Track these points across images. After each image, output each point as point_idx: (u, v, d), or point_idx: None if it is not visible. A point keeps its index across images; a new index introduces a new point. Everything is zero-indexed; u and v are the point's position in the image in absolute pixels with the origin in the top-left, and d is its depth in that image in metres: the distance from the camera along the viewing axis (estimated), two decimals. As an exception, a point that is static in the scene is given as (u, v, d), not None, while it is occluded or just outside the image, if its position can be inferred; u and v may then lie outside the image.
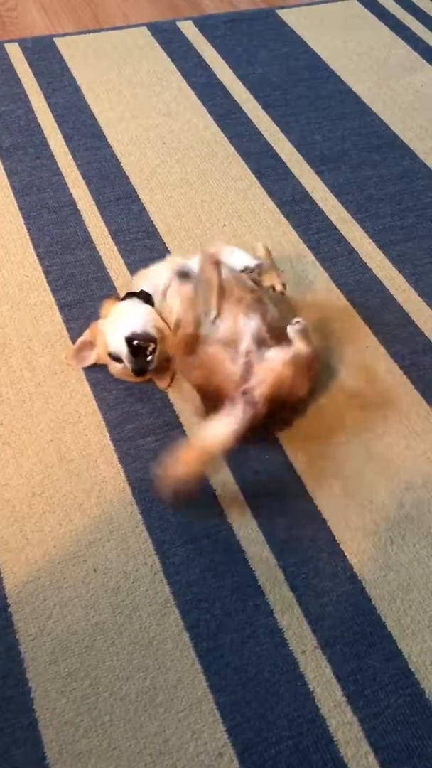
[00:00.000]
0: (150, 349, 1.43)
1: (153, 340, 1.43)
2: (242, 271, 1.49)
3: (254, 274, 1.51)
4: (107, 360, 1.50)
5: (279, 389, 1.36)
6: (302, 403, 1.48)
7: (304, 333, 1.42)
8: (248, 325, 1.42)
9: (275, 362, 1.37)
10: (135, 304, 1.51)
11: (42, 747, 1.11)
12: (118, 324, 1.47)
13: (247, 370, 1.36)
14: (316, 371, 1.48)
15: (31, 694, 1.15)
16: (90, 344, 1.53)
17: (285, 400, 1.39)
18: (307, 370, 1.42)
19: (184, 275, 1.50)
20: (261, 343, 1.40)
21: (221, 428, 1.30)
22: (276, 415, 1.39)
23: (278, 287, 1.54)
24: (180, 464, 1.27)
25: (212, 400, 1.38)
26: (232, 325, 1.43)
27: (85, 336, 1.53)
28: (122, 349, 1.44)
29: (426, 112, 2.30)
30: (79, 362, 1.54)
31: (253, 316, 1.44)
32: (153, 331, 1.45)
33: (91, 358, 1.53)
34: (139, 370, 1.44)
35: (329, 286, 1.77)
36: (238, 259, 1.51)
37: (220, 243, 1.58)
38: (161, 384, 1.52)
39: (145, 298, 1.52)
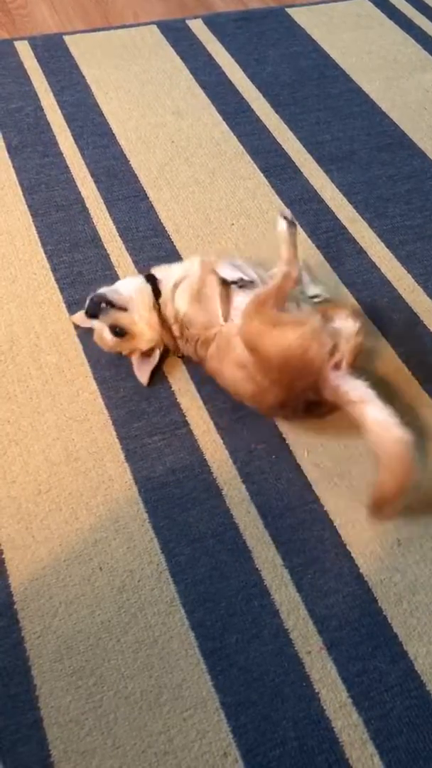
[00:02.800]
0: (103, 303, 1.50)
1: (106, 301, 1.49)
2: (234, 283, 1.50)
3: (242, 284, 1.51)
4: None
5: (359, 356, 1.40)
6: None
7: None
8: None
9: (354, 329, 1.40)
10: (137, 278, 1.57)
11: (47, 745, 1.11)
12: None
13: (334, 340, 1.36)
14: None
15: (36, 692, 1.16)
16: None
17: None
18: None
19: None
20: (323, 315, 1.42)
21: (381, 417, 1.31)
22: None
23: (324, 294, 1.64)
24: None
25: (293, 386, 1.37)
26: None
27: None
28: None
29: (436, 111, 2.29)
30: (80, 320, 1.61)
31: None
32: (119, 297, 1.51)
33: (89, 321, 1.57)
34: (88, 309, 1.51)
35: (337, 285, 1.76)
36: (223, 271, 1.52)
37: (216, 255, 1.59)
38: (141, 377, 1.54)
39: (151, 280, 1.54)
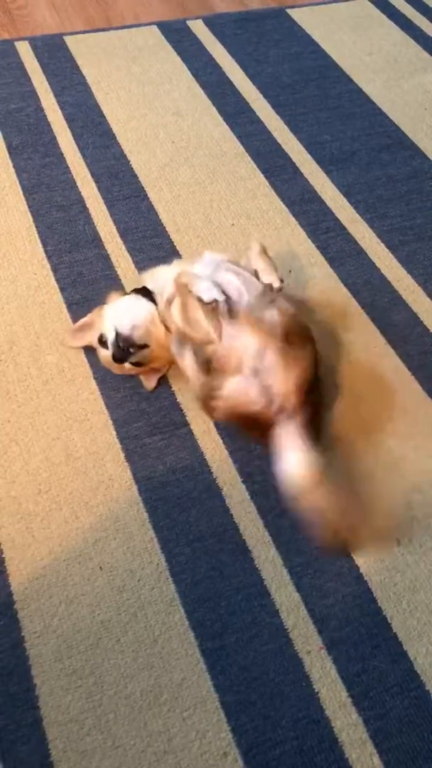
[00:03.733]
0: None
1: (134, 345, 1.44)
2: (209, 303, 1.40)
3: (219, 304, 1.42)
4: (97, 343, 1.51)
5: (302, 384, 1.32)
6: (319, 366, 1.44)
7: (263, 253, 1.49)
8: (250, 344, 1.34)
9: (279, 370, 1.31)
10: (138, 299, 1.51)
11: (46, 744, 1.11)
12: (114, 313, 1.49)
13: (266, 391, 1.31)
14: (301, 323, 1.42)
15: (36, 692, 1.16)
16: (90, 326, 1.54)
17: (311, 378, 1.36)
18: (297, 337, 1.36)
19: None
20: (262, 354, 1.33)
21: (297, 466, 1.29)
22: (313, 397, 1.37)
23: (276, 284, 1.48)
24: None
25: (258, 428, 1.35)
26: (234, 347, 1.36)
27: (88, 318, 1.55)
28: (110, 336, 1.46)
29: (436, 112, 2.29)
30: (75, 340, 1.57)
31: (261, 326, 1.37)
32: (141, 333, 1.45)
33: (85, 338, 1.55)
34: (117, 357, 1.46)
35: (337, 286, 1.76)
36: (202, 292, 1.40)
37: (186, 271, 1.48)
38: (148, 384, 1.53)
39: (146, 293, 1.51)
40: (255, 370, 1.32)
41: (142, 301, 1.50)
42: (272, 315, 1.37)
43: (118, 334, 1.45)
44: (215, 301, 1.39)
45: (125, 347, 1.44)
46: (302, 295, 1.70)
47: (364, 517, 1.34)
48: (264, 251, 1.54)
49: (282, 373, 1.31)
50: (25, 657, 1.19)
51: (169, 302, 1.48)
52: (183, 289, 1.43)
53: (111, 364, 1.50)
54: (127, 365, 1.47)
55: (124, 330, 1.45)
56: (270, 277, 1.49)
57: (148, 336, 1.46)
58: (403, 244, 1.88)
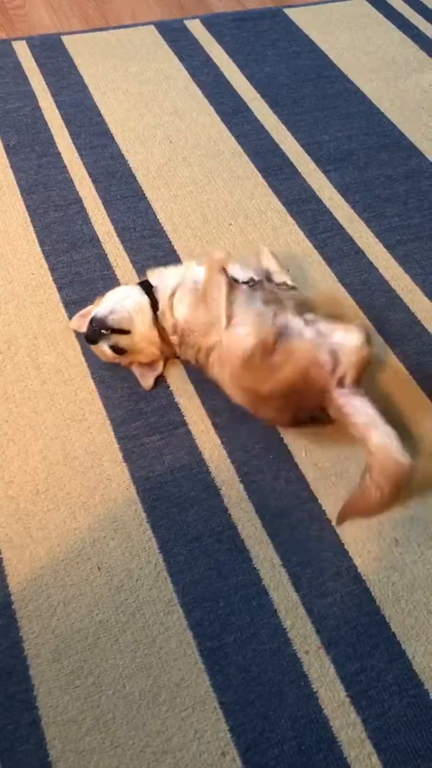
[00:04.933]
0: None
1: (106, 327, 1.47)
2: (246, 283, 1.47)
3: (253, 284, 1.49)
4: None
5: (364, 369, 1.37)
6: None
7: (273, 256, 1.58)
8: (292, 320, 1.41)
9: (357, 343, 1.37)
10: (133, 289, 1.54)
11: (45, 744, 1.11)
12: (105, 298, 1.54)
13: (335, 357, 1.35)
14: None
15: (34, 692, 1.16)
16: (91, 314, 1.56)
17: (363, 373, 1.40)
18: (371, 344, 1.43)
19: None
20: (319, 328, 1.40)
21: (395, 439, 1.30)
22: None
23: (290, 282, 1.55)
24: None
25: (301, 407, 1.37)
26: (249, 333, 1.40)
27: (91, 306, 1.58)
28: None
29: (434, 111, 2.29)
30: (77, 325, 1.60)
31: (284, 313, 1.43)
32: (117, 317, 1.48)
33: (86, 325, 1.56)
34: (88, 337, 1.49)
35: (335, 285, 1.77)
36: (236, 271, 1.48)
37: (220, 252, 1.54)
38: (145, 384, 1.53)
39: (146, 288, 1.53)
40: (321, 333, 1.38)
41: (135, 292, 1.53)
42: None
43: (93, 316, 1.49)
44: (251, 280, 1.46)
45: (97, 328, 1.47)
46: (300, 294, 1.70)
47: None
48: (274, 255, 1.61)
49: (355, 347, 1.36)
50: (24, 657, 1.19)
51: (173, 293, 1.49)
52: (216, 265, 1.47)
53: (100, 353, 1.52)
54: (107, 351, 1.50)
55: (100, 312, 1.49)
56: (283, 277, 1.56)
57: (128, 323, 1.48)
58: (401, 243, 1.88)
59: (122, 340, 1.49)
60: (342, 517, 1.34)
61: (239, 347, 1.38)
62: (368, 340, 1.40)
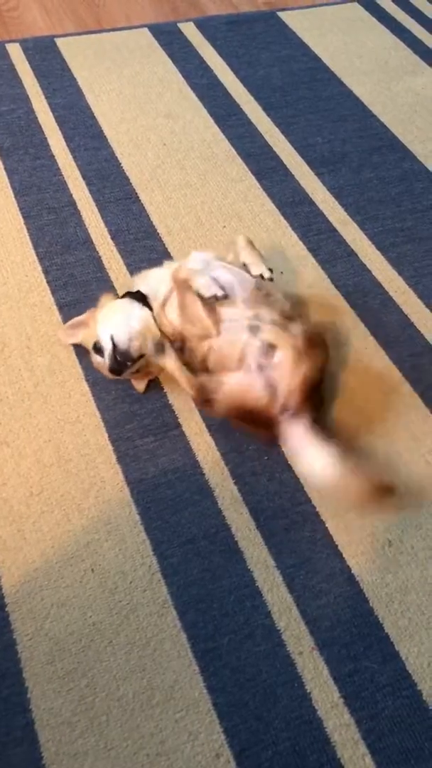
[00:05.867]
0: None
1: (131, 359, 1.44)
2: (210, 298, 1.44)
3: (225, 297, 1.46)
4: (90, 348, 1.51)
5: (308, 385, 1.36)
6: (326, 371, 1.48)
7: (250, 245, 1.55)
8: (252, 340, 1.39)
9: (289, 364, 1.35)
10: (132, 304, 1.51)
11: (38, 747, 1.11)
12: (109, 320, 1.48)
13: (271, 387, 1.34)
14: (320, 333, 1.48)
15: (28, 694, 1.15)
16: (84, 325, 1.54)
17: (316, 383, 1.40)
18: (314, 343, 1.41)
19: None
20: (267, 350, 1.37)
21: (312, 454, 1.32)
22: (315, 400, 1.41)
23: (266, 274, 1.51)
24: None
25: (257, 425, 1.39)
26: (234, 341, 1.40)
27: (83, 317, 1.55)
28: (106, 346, 1.45)
29: (426, 114, 2.30)
30: (67, 337, 1.57)
31: (258, 322, 1.42)
32: (137, 344, 1.44)
33: (77, 337, 1.55)
34: (115, 370, 1.45)
35: (329, 287, 1.77)
36: (203, 287, 1.44)
37: (184, 267, 1.50)
38: (138, 387, 1.52)
39: (140, 298, 1.51)
40: (260, 365, 1.36)
41: (136, 308, 1.50)
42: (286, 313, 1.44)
43: (115, 347, 1.44)
44: (215, 296, 1.42)
45: (123, 361, 1.44)
46: (293, 296, 1.70)
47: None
48: (250, 243, 1.57)
49: (289, 371, 1.35)
50: (17, 659, 1.19)
51: (164, 304, 1.49)
52: (182, 284, 1.45)
53: (104, 370, 1.49)
54: (128, 375, 1.48)
55: (122, 344, 1.43)
56: (259, 268, 1.52)
57: (144, 345, 1.46)
58: (394, 245, 1.89)
59: (142, 362, 1.47)
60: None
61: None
62: (309, 346, 1.38)
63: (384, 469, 1.43)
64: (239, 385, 1.36)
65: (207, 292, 1.43)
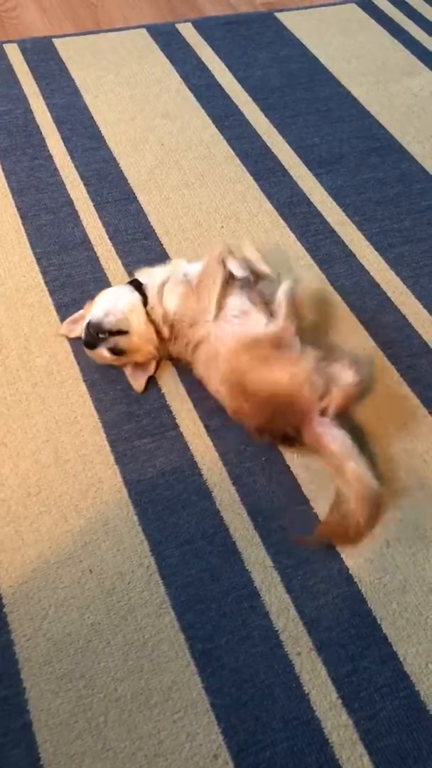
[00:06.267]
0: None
1: (103, 330, 1.47)
2: (242, 278, 1.50)
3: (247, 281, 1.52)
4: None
5: (348, 406, 1.39)
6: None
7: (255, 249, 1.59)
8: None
9: (351, 379, 1.37)
10: (123, 289, 1.54)
11: (36, 748, 1.11)
12: (97, 302, 1.53)
13: (327, 386, 1.35)
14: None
15: (26, 695, 1.15)
16: (83, 318, 1.55)
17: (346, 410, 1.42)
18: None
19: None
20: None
21: (356, 464, 1.33)
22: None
23: (269, 271, 1.56)
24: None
25: (275, 419, 1.38)
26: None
27: (82, 310, 1.58)
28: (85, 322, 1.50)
29: (424, 115, 2.30)
30: (68, 331, 1.60)
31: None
32: (113, 319, 1.47)
33: (78, 331, 1.57)
34: (86, 342, 1.50)
35: (327, 288, 1.77)
36: (235, 268, 1.50)
37: (224, 247, 1.55)
38: (137, 386, 1.53)
39: (137, 286, 1.53)
40: (320, 359, 1.39)
41: (126, 291, 1.53)
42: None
43: (89, 321, 1.49)
44: (246, 279, 1.49)
45: (95, 333, 1.47)
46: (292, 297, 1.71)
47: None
48: (256, 250, 1.60)
49: (349, 384, 1.37)
50: (15, 660, 1.18)
51: (162, 285, 1.51)
52: (218, 256, 1.50)
53: (95, 354, 1.52)
54: (106, 354, 1.49)
55: (96, 316, 1.48)
56: (264, 267, 1.57)
57: (124, 323, 1.48)
58: (392, 246, 1.89)
59: (121, 341, 1.49)
60: (317, 540, 1.33)
61: (243, 335, 1.40)
62: (364, 377, 1.40)
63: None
64: (310, 370, 1.36)
65: (240, 273, 1.49)
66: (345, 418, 1.49)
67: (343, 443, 1.35)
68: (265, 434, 1.41)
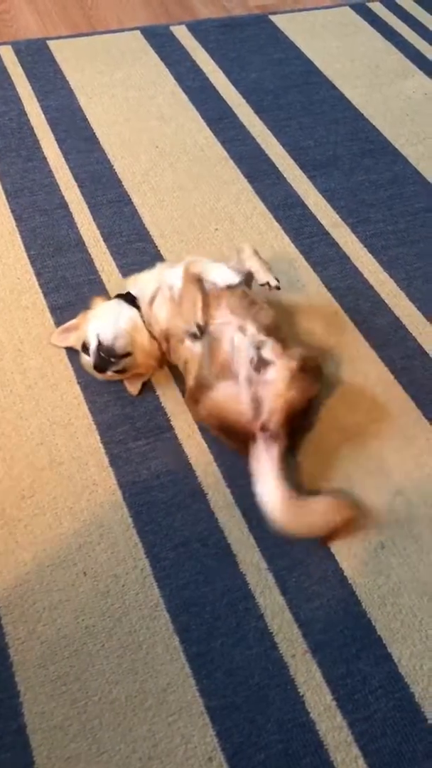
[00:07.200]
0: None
1: (115, 356, 1.45)
2: (227, 288, 1.47)
3: (241, 286, 1.50)
4: (80, 349, 1.52)
5: (292, 410, 1.35)
6: (315, 400, 1.47)
7: (256, 254, 1.54)
8: (243, 346, 1.39)
9: (279, 385, 1.35)
10: (121, 305, 1.52)
11: (30, 751, 1.10)
12: (97, 320, 1.50)
13: (257, 403, 1.34)
14: (318, 364, 1.49)
15: (20, 698, 1.15)
16: (75, 328, 1.55)
17: (301, 410, 1.39)
18: (310, 371, 1.41)
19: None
20: (259, 364, 1.37)
21: (269, 487, 1.31)
22: (297, 426, 1.41)
23: (273, 283, 1.52)
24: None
25: (233, 436, 1.39)
26: (225, 346, 1.40)
27: (75, 320, 1.56)
28: (92, 344, 1.47)
29: (417, 117, 2.31)
30: (60, 340, 1.58)
31: (246, 327, 1.42)
32: (122, 342, 1.45)
33: (69, 340, 1.56)
34: (99, 367, 1.46)
35: (321, 290, 1.77)
36: (219, 276, 1.48)
37: (199, 259, 1.53)
38: (132, 389, 1.53)
39: (130, 300, 1.52)
40: (250, 378, 1.35)
41: (125, 308, 1.51)
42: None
43: (100, 344, 1.45)
44: (230, 286, 1.46)
45: (107, 357, 1.45)
46: (286, 299, 1.71)
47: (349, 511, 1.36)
48: (256, 252, 1.56)
49: (278, 391, 1.34)
50: (9, 664, 1.18)
51: (151, 302, 1.49)
52: (191, 277, 1.47)
53: (91, 370, 1.50)
54: (109, 373, 1.48)
55: (106, 340, 1.45)
56: (266, 277, 1.52)
57: (131, 344, 1.47)
58: (386, 248, 1.89)
59: (127, 362, 1.48)
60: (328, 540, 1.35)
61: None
62: (303, 372, 1.37)
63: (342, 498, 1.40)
64: (226, 394, 1.36)
65: (228, 281, 1.47)
66: (336, 419, 1.50)
67: (263, 465, 1.33)
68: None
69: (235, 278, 1.48)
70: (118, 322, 1.48)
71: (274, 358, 1.38)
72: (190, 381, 1.43)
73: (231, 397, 1.36)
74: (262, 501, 1.31)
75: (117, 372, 1.48)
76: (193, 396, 1.41)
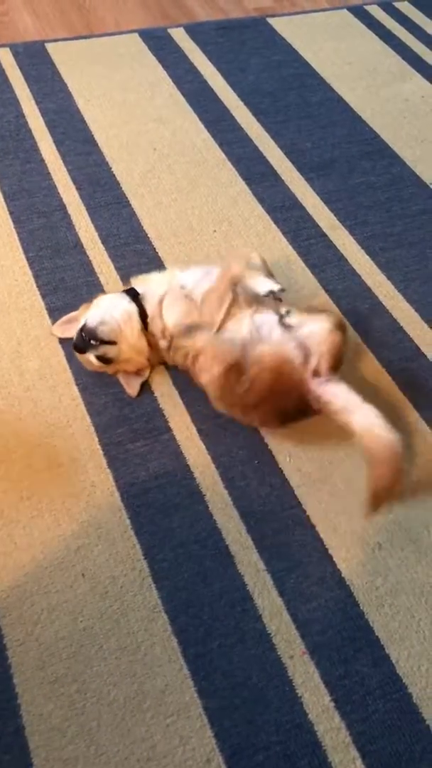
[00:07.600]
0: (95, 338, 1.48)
1: (96, 338, 1.47)
2: (266, 295, 1.48)
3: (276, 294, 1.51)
4: None
5: (339, 353, 1.38)
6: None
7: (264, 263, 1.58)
8: (266, 318, 1.44)
9: (323, 332, 1.38)
10: (121, 298, 1.53)
11: (29, 753, 1.10)
12: (95, 308, 1.52)
13: (304, 350, 1.36)
14: (344, 324, 1.50)
15: (18, 700, 1.15)
16: (76, 319, 1.56)
17: (341, 358, 1.41)
18: (341, 327, 1.44)
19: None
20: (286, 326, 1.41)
21: (378, 419, 1.32)
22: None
23: (276, 288, 1.52)
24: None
25: (286, 406, 1.38)
26: (245, 327, 1.43)
27: (76, 312, 1.58)
28: (79, 325, 1.50)
29: (415, 120, 2.32)
30: (61, 332, 1.60)
31: (261, 309, 1.46)
32: (107, 329, 1.47)
33: (70, 331, 1.57)
34: (76, 346, 1.49)
35: (318, 292, 1.78)
36: (262, 283, 1.49)
37: (240, 264, 1.53)
38: (131, 391, 1.53)
39: (133, 295, 1.53)
40: (288, 328, 1.40)
41: (124, 301, 1.52)
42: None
43: (84, 325, 1.48)
44: (271, 292, 1.47)
45: (87, 338, 1.47)
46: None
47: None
48: (264, 262, 1.59)
49: (323, 335, 1.38)
50: (7, 665, 1.18)
51: (161, 302, 1.50)
52: (230, 278, 1.47)
53: (85, 361, 1.52)
54: (93, 360, 1.49)
55: (91, 323, 1.48)
56: (271, 285, 1.53)
57: (117, 334, 1.48)
58: (384, 250, 1.90)
59: (110, 351, 1.49)
60: (373, 506, 1.33)
61: (216, 367, 1.41)
62: (339, 325, 1.42)
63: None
64: (274, 350, 1.37)
65: (267, 288, 1.48)
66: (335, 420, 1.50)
67: (343, 398, 1.35)
68: (289, 422, 1.42)
69: (275, 285, 1.49)
70: (111, 311, 1.50)
71: (306, 318, 1.42)
72: (215, 366, 1.41)
73: (279, 347, 1.37)
74: (371, 426, 1.32)
75: (100, 359, 1.49)
76: (235, 367, 1.38)
